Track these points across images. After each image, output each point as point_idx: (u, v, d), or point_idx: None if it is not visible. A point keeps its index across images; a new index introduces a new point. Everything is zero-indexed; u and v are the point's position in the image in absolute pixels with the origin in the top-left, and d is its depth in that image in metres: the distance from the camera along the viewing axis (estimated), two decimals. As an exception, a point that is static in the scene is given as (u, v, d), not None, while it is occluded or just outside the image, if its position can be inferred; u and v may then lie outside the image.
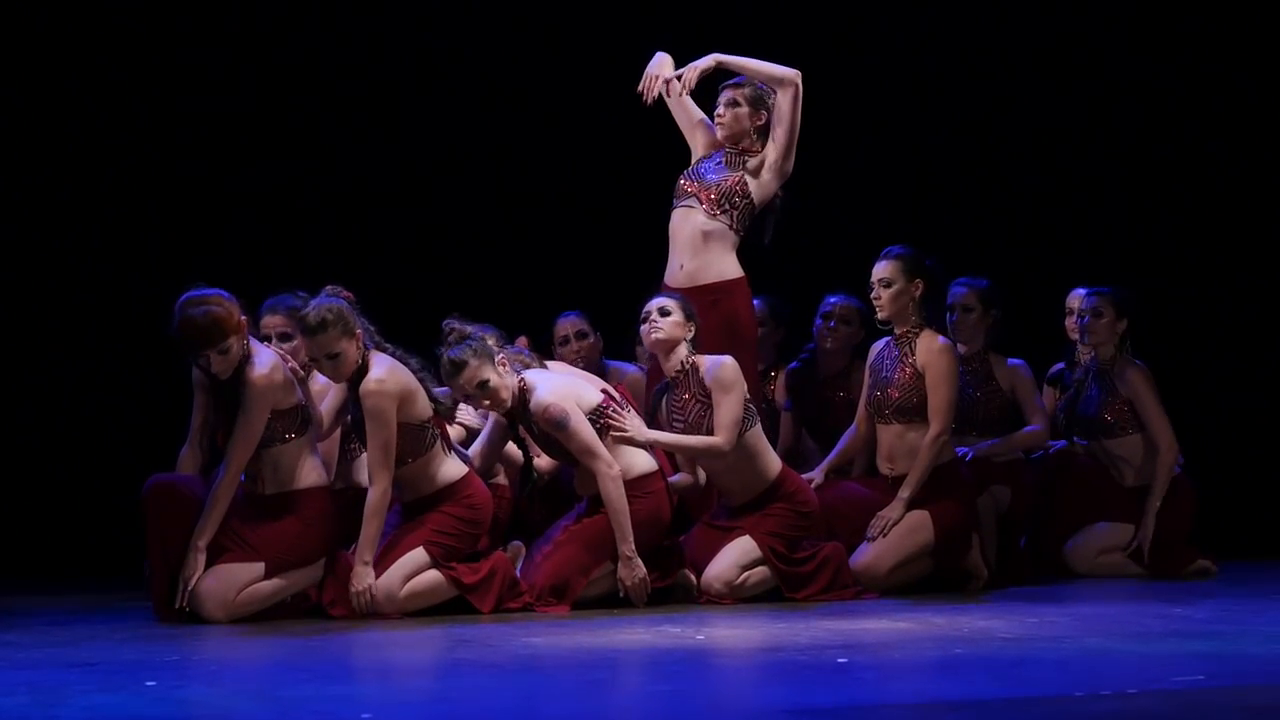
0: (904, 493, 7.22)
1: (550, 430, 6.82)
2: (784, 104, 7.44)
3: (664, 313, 7.08)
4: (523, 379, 6.88)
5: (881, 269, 7.35)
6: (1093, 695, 4.46)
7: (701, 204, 7.45)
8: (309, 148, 9.52)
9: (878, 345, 7.51)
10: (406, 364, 6.76)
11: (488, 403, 6.82)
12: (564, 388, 6.92)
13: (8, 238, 9.28)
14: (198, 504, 6.62)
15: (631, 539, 6.81)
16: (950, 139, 9.78)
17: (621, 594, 6.85)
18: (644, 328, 7.12)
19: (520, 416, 6.91)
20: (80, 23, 9.33)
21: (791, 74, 7.42)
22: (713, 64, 7.47)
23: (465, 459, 6.98)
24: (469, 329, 6.89)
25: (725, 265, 7.45)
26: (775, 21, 8.02)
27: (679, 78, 7.51)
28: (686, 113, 7.67)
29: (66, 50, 9.33)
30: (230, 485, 6.56)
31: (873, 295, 7.37)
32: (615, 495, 6.80)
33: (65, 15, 9.31)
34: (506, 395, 6.81)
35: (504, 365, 6.84)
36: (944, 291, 7.76)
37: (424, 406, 6.73)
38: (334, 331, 6.60)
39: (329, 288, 6.74)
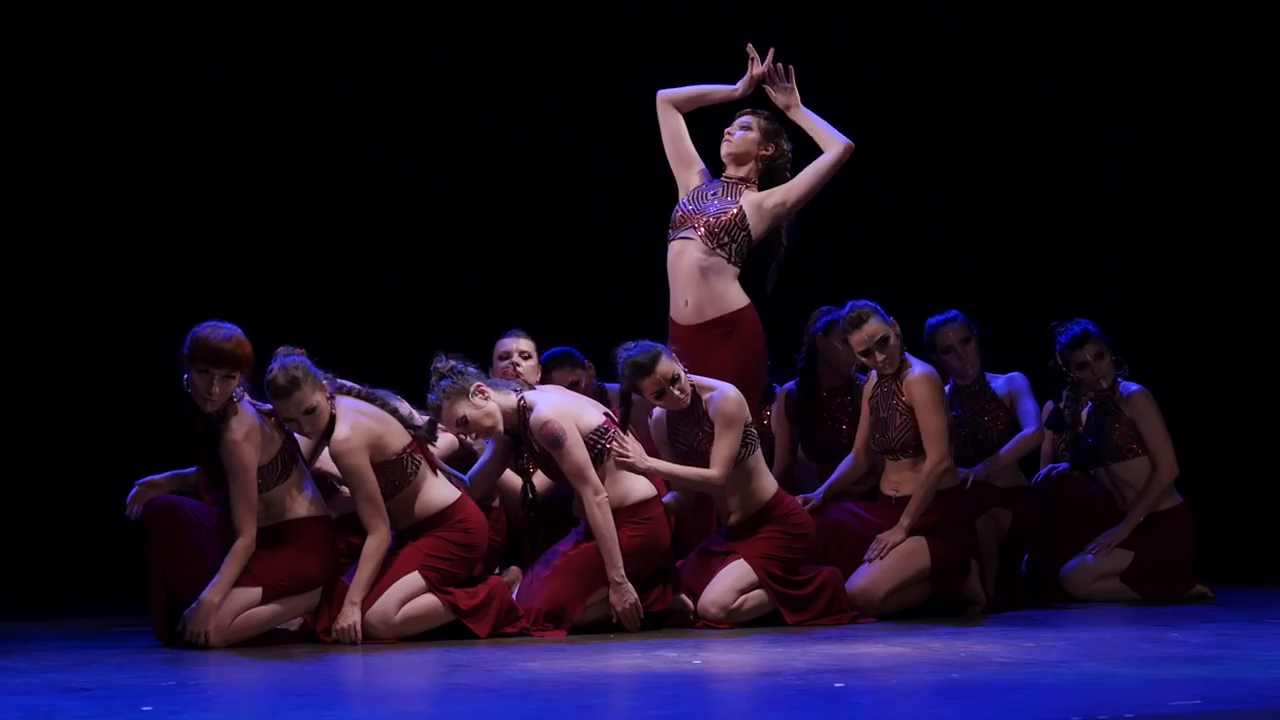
0: (904, 520, 7.21)
1: (546, 447, 6.84)
2: (824, 162, 7.43)
3: (674, 380, 6.99)
4: (523, 397, 6.90)
5: (869, 331, 7.26)
6: (1089, 720, 4.47)
7: (698, 235, 7.44)
8: (305, 180, 9.57)
9: (871, 380, 7.48)
10: (371, 401, 6.78)
11: (474, 436, 6.85)
12: (565, 407, 6.93)
13: (11, 256, 9.31)
14: (199, 526, 6.65)
15: (620, 565, 6.81)
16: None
17: (614, 620, 6.85)
18: (660, 403, 7.05)
19: (522, 434, 6.92)
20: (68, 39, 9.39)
21: (846, 141, 7.43)
22: (789, 104, 7.49)
23: (460, 481, 7.00)
24: (449, 365, 6.89)
25: (731, 295, 7.45)
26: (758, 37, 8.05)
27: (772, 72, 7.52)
28: (680, 144, 7.62)
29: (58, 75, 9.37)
30: (246, 550, 6.54)
31: (873, 359, 7.31)
32: (602, 522, 6.81)
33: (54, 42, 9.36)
34: (491, 422, 6.83)
35: (482, 394, 6.84)
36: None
37: (397, 439, 6.75)
38: (306, 387, 6.63)
39: (282, 349, 6.73)
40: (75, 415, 9.31)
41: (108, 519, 8.63)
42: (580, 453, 6.84)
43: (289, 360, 6.67)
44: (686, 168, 7.64)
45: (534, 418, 6.84)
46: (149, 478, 6.75)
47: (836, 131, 7.47)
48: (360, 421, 6.70)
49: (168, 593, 6.61)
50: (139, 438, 8.98)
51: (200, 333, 6.57)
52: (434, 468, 6.88)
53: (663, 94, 7.65)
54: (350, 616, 6.62)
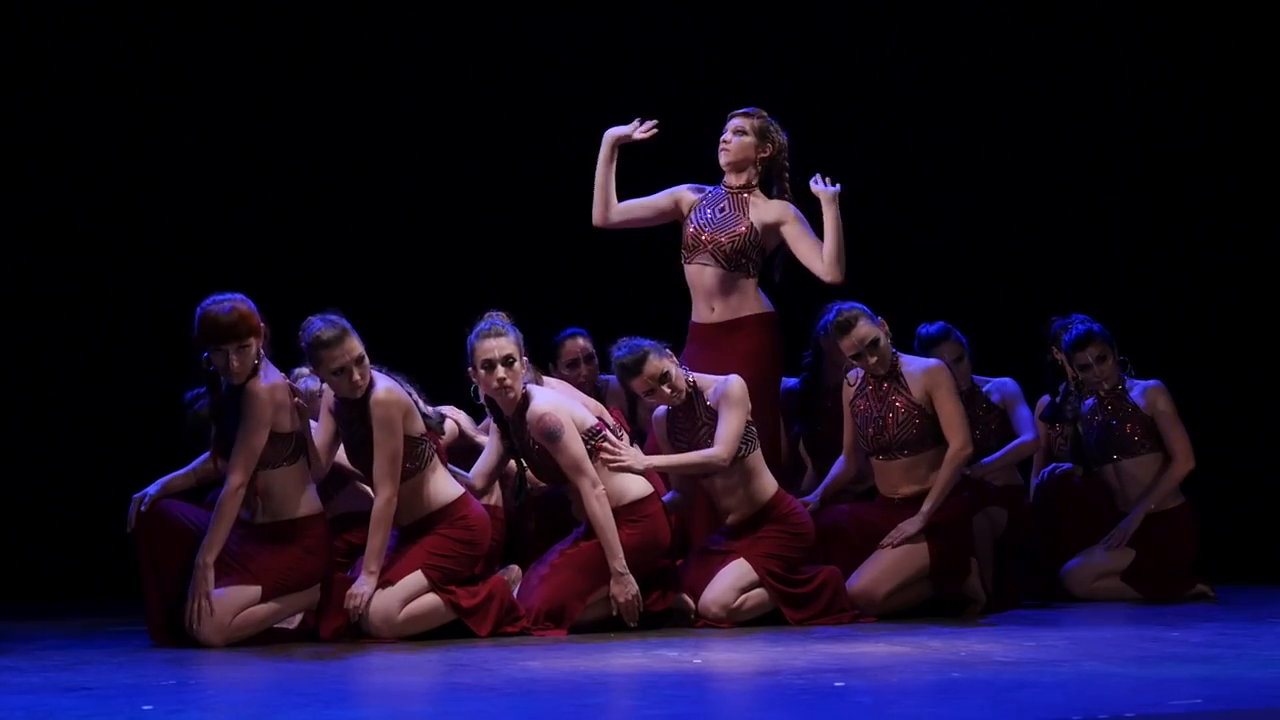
0: (926, 507, 7.20)
1: (542, 440, 6.84)
2: (812, 264, 7.38)
3: (663, 379, 7.04)
4: (526, 389, 6.91)
5: (859, 335, 7.25)
6: (1090, 719, 4.46)
7: (715, 259, 7.45)
8: (318, 169, 9.57)
9: (851, 383, 7.47)
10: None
11: (499, 382, 6.78)
12: (562, 402, 6.95)
13: (8, 255, 9.32)
14: (189, 528, 6.64)
15: (621, 555, 6.81)
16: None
17: (615, 612, 6.85)
18: (652, 400, 7.09)
19: (517, 426, 6.92)
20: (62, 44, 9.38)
21: (838, 275, 7.35)
22: (835, 209, 7.40)
23: (462, 478, 7.00)
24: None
25: (755, 302, 7.48)
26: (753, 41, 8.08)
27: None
28: (648, 209, 7.60)
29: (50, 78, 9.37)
30: (233, 498, 6.52)
31: (865, 361, 7.30)
32: (600, 513, 6.81)
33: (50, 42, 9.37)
34: (515, 383, 6.82)
35: (524, 363, 6.88)
36: None
37: (419, 422, 6.77)
38: (353, 336, 6.66)
39: (311, 316, 6.75)
40: (75, 415, 9.31)
41: (107, 519, 8.66)
42: (577, 446, 6.85)
43: (328, 316, 6.69)
44: (672, 208, 7.63)
45: (531, 410, 6.85)
46: (141, 492, 6.71)
47: (839, 258, 7.35)
48: (398, 384, 6.75)
49: (161, 596, 6.61)
50: (139, 437, 9.00)
51: (203, 311, 6.56)
52: (443, 462, 6.90)
53: (596, 218, 7.57)
54: (366, 584, 6.62)
